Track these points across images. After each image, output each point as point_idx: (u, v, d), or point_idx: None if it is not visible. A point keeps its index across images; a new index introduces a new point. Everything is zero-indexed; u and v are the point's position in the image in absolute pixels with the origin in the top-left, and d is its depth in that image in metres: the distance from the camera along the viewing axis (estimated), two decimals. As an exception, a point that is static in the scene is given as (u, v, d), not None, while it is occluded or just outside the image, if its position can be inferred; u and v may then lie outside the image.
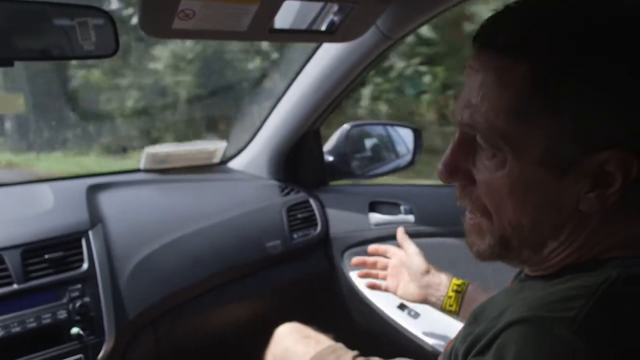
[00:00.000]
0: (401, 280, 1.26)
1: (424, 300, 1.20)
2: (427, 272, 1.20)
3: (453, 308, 1.14)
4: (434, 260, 1.59)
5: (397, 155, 1.93)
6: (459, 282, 1.17)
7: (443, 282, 1.18)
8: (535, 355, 0.48)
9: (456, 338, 0.68)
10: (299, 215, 1.79)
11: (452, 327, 1.43)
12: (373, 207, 1.74)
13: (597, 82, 0.52)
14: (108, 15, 0.90)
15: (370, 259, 1.33)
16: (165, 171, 1.78)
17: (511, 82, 0.55)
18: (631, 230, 0.58)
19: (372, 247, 1.33)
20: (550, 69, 0.54)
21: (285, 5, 0.99)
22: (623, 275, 0.53)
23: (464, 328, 0.68)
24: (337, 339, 1.34)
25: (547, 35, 0.54)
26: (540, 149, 0.55)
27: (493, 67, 0.57)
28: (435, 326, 1.55)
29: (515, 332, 0.50)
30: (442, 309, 1.17)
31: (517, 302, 0.56)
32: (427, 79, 4.45)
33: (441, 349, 1.39)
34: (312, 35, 1.18)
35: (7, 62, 0.82)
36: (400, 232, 1.29)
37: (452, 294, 1.14)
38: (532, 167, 0.56)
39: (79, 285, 1.28)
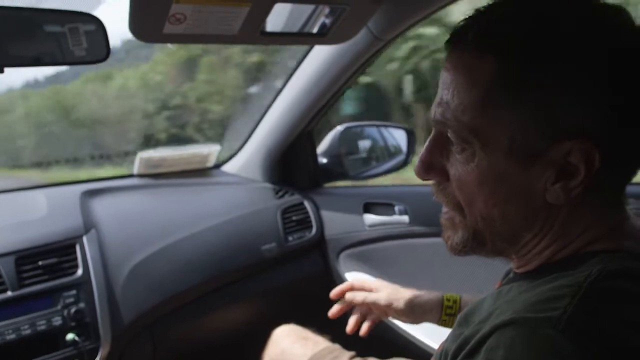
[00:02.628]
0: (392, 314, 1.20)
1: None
2: (411, 305, 1.16)
3: (449, 325, 1.12)
4: (429, 260, 1.59)
5: (391, 156, 1.93)
6: (450, 302, 1.13)
7: (434, 308, 1.14)
8: (523, 357, 0.49)
9: (447, 339, 0.69)
10: (294, 218, 1.79)
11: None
12: (367, 208, 1.75)
13: (559, 76, 0.55)
14: (99, 21, 0.90)
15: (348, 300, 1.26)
16: (158, 176, 1.78)
17: (478, 77, 0.58)
18: (608, 223, 0.60)
19: (334, 293, 1.26)
20: (514, 64, 0.56)
21: (276, 8, 1.00)
22: (604, 271, 0.53)
23: (454, 329, 0.69)
24: (334, 340, 1.34)
25: (510, 32, 0.57)
26: (507, 140, 0.58)
27: (462, 65, 0.60)
28: (431, 327, 1.54)
29: (502, 334, 0.51)
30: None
31: (504, 304, 0.57)
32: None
33: (437, 349, 1.39)
34: (303, 38, 1.18)
35: (-2, 69, 0.82)
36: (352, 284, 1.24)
37: (445, 317, 1.11)
38: (499, 159, 0.59)
39: (74, 291, 1.28)
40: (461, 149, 0.61)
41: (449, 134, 0.62)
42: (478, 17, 0.60)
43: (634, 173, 0.60)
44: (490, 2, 0.60)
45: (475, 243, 0.65)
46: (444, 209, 0.68)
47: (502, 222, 0.62)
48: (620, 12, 0.57)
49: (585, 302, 0.51)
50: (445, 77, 0.62)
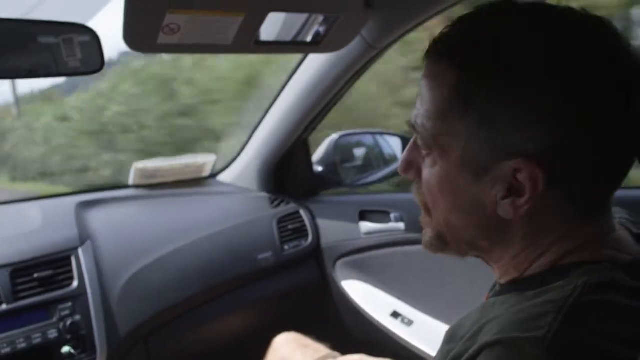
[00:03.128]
0: None
1: None
2: None
3: None
4: (425, 267, 1.60)
5: (386, 164, 1.94)
6: None
7: None
8: None
9: (435, 358, 0.69)
10: (290, 227, 1.78)
11: (446, 333, 1.43)
12: (363, 216, 1.75)
13: (505, 94, 0.55)
14: (93, 32, 0.90)
15: None
16: (154, 186, 1.77)
17: (440, 85, 0.60)
18: (586, 233, 0.59)
19: None
20: (469, 76, 0.58)
21: (270, 17, 1.00)
22: (589, 284, 0.53)
23: (442, 346, 0.68)
24: (334, 348, 1.33)
25: (471, 46, 0.58)
26: (459, 151, 0.59)
27: (429, 74, 0.62)
28: (428, 333, 1.55)
29: (490, 355, 0.51)
30: None
31: (491, 322, 0.56)
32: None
33: (435, 356, 1.39)
34: (297, 47, 1.19)
35: (-8, 81, 0.82)
36: None
37: None
38: (454, 168, 0.61)
39: (70, 304, 1.27)
40: (427, 154, 0.64)
41: (417, 140, 0.65)
42: (447, 29, 0.62)
43: (605, 185, 0.60)
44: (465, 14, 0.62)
45: (440, 243, 0.68)
46: None
47: (460, 228, 0.64)
48: (596, 26, 0.57)
49: (569, 318, 0.50)
50: (420, 85, 0.64)
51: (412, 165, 0.68)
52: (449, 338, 0.67)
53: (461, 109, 0.58)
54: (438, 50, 0.61)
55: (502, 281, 0.66)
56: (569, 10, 0.58)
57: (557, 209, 0.58)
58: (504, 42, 0.57)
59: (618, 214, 0.68)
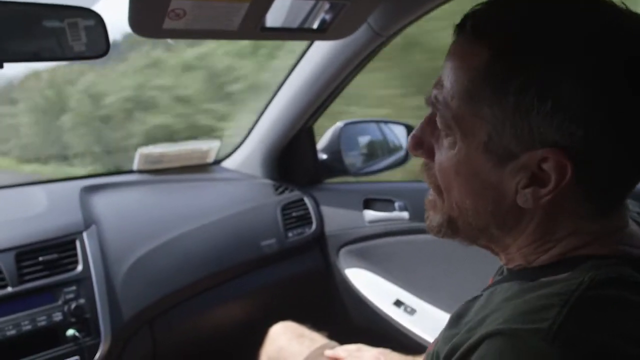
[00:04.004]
0: None
1: None
2: None
3: None
4: (428, 257, 1.60)
5: (391, 152, 1.93)
6: None
7: None
8: None
9: (437, 340, 0.69)
10: (294, 214, 1.79)
11: (448, 322, 1.44)
12: (367, 204, 1.75)
13: (543, 84, 0.54)
14: (99, 16, 0.89)
15: None
16: (158, 171, 1.78)
17: (469, 67, 0.58)
18: (598, 229, 0.59)
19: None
20: (504, 62, 0.56)
21: (276, 4, 0.99)
22: (596, 279, 0.53)
23: (445, 329, 0.68)
24: (333, 336, 1.34)
25: (506, 26, 0.57)
26: (484, 136, 0.58)
27: (459, 52, 0.60)
28: (431, 322, 1.55)
29: (491, 345, 0.50)
30: None
31: (494, 312, 0.56)
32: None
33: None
34: (303, 34, 1.18)
35: (-4, 64, 0.82)
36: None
37: None
38: (476, 152, 0.59)
39: (74, 287, 1.28)
40: (445, 134, 0.62)
41: (436, 118, 0.63)
42: (482, 7, 0.60)
43: (623, 185, 0.59)
44: None
45: (449, 229, 0.66)
46: (430, 190, 0.69)
47: (473, 214, 0.62)
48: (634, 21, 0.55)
49: (575, 312, 0.50)
50: (445, 62, 0.62)
51: (423, 144, 0.66)
52: (452, 323, 0.67)
53: (490, 94, 0.56)
54: (472, 28, 0.59)
55: (509, 266, 0.66)
56: (610, 2, 0.56)
57: (574, 205, 0.57)
58: (546, 29, 0.55)
59: (632, 208, 0.67)
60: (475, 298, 0.68)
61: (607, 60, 0.53)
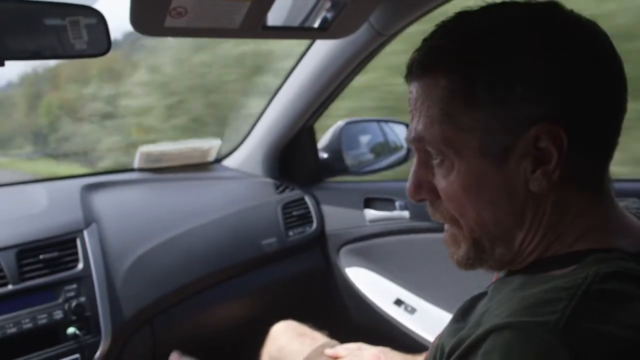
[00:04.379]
0: None
1: None
2: None
3: None
4: (429, 256, 1.59)
5: (392, 152, 1.93)
6: None
7: None
8: None
9: (442, 334, 0.69)
10: (294, 213, 1.79)
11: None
12: (368, 203, 1.75)
13: (504, 75, 0.58)
14: (100, 14, 0.89)
15: None
16: (159, 170, 1.78)
17: (435, 94, 0.62)
18: (595, 217, 0.61)
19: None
20: (460, 75, 0.60)
21: (277, 2, 0.99)
22: (600, 273, 0.53)
23: (450, 323, 0.69)
24: (333, 335, 1.34)
25: (448, 49, 0.62)
26: (476, 142, 0.60)
27: (420, 89, 0.65)
28: (431, 321, 1.55)
29: (499, 338, 0.51)
30: None
31: (500, 306, 0.57)
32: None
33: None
34: (305, 32, 1.18)
35: (-2, 62, 0.82)
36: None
37: None
38: (475, 162, 0.61)
39: (75, 285, 1.28)
40: (440, 162, 0.64)
41: (428, 148, 0.65)
42: (423, 45, 0.65)
43: (607, 157, 0.62)
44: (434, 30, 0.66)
45: (477, 253, 0.66)
46: (445, 227, 0.70)
47: (494, 224, 0.63)
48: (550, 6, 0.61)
49: (582, 305, 0.51)
50: (411, 102, 0.66)
51: (422, 187, 0.68)
52: (458, 317, 0.68)
53: (463, 106, 0.60)
54: (419, 67, 0.64)
55: (514, 268, 0.67)
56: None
57: (577, 186, 0.60)
58: (481, 33, 0.60)
59: (635, 205, 0.70)
60: (481, 294, 0.69)
61: (551, 33, 0.59)
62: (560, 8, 0.61)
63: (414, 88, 0.66)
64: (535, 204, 0.61)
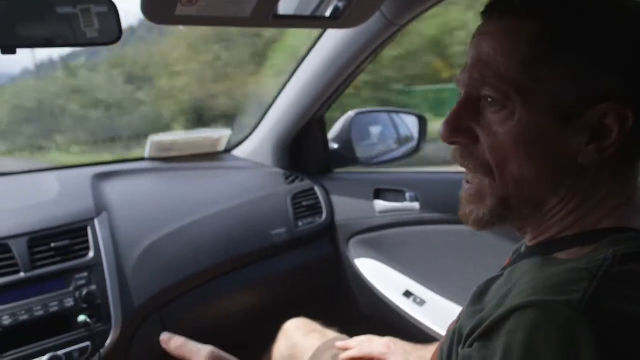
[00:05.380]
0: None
1: None
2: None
3: None
4: (439, 247, 1.59)
5: (402, 143, 1.92)
6: None
7: None
8: (545, 339, 0.49)
9: (459, 317, 0.69)
10: (304, 203, 1.79)
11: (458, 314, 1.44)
12: (378, 194, 1.74)
13: (596, 41, 0.58)
14: (111, 3, 0.89)
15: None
16: (169, 159, 1.78)
17: (521, 38, 0.60)
18: (623, 195, 0.62)
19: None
20: (556, 26, 0.59)
21: (289, -9, 0.98)
22: (618, 255, 0.54)
23: (468, 306, 0.69)
24: (342, 326, 1.34)
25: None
26: (548, 97, 0.60)
27: (503, 28, 0.62)
28: (441, 313, 1.55)
29: (523, 317, 0.51)
30: None
31: (520, 285, 0.57)
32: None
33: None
34: (316, 21, 1.17)
35: (10, 50, 0.82)
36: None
37: None
38: (539, 117, 0.60)
39: (86, 274, 1.29)
40: (500, 107, 0.62)
41: (487, 92, 0.62)
42: None
43: None
44: None
45: (502, 210, 0.65)
46: (467, 183, 0.68)
47: (532, 185, 0.62)
48: None
49: (603, 285, 0.51)
50: (483, 44, 0.63)
51: (461, 129, 0.65)
52: (475, 300, 0.68)
53: (550, 57, 0.59)
54: (511, 5, 0.62)
55: (531, 243, 0.67)
56: None
57: (623, 159, 0.61)
58: None
59: None
60: (496, 277, 0.68)
61: None
62: None
63: (493, 26, 0.63)
64: (577, 175, 0.61)
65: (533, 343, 0.49)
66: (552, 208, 0.63)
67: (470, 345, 0.56)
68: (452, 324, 0.72)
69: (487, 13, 0.64)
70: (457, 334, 0.64)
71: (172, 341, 0.78)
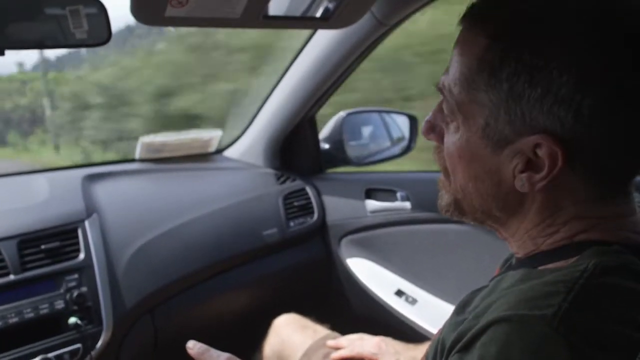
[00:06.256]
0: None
1: None
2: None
3: None
4: (430, 247, 1.60)
5: (394, 142, 1.93)
6: None
7: None
8: (517, 354, 0.49)
9: (443, 327, 0.69)
10: (296, 203, 1.79)
11: (450, 313, 1.44)
12: (369, 194, 1.74)
13: (533, 70, 0.55)
14: (100, 4, 0.88)
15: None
16: (160, 160, 1.78)
17: (469, 54, 0.60)
18: (601, 213, 0.60)
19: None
20: (498, 48, 0.57)
21: (279, -8, 0.98)
22: (599, 266, 0.53)
23: (451, 317, 0.69)
24: (334, 326, 1.34)
25: (502, 16, 0.58)
26: (482, 121, 0.60)
27: (461, 40, 0.63)
28: (432, 312, 1.56)
29: (497, 331, 0.51)
30: None
31: (500, 299, 0.56)
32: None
33: (438, 335, 1.40)
34: (306, 22, 1.17)
35: (-2, 51, 0.82)
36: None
37: None
38: (475, 137, 0.61)
39: (76, 275, 1.28)
40: (450, 119, 0.64)
41: (443, 104, 0.65)
42: None
43: (623, 170, 0.59)
44: None
45: (457, 210, 0.69)
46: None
47: (475, 197, 0.65)
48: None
49: (579, 299, 0.50)
50: (454, 50, 0.64)
51: (434, 128, 0.68)
52: (458, 310, 0.68)
53: (488, 82, 0.58)
54: (473, 16, 0.61)
55: (519, 255, 0.67)
56: None
57: (573, 189, 0.58)
58: (536, 15, 0.56)
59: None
60: (482, 287, 0.69)
61: (601, 40, 0.53)
62: (626, 11, 0.54)
63: (459, 36, 0.63)
64: (520, 197, 0.61)
65: (506, 357, 0.49)
66: (507, 222, 0.65)
67: (450, 358, 0.57)
68: (437, 333, 0.72)
69: (460, 19, 0.64)
70: (440, 345, 0.64)
71: (196, 347, 0.80)
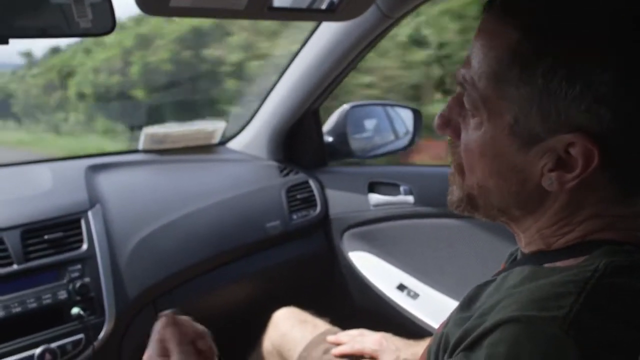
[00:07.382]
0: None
1: None
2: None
3: None
4: (433, 241, 1.59)
5: (397, 136, 1.92)
6: None
7: None
8: (526, 356, 0.48)
9: (447, 322, 0.69)
10: (299, 196, 1.78)
11: (452, 308, 1.44)
12: (372, 187, 1.74)
13: (573, 68, 0.52)
14: (104, -7, 0.88)
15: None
16: (163, 151, 1.77)
17: (497, 46, 0.57)
18: (619, 212, 0.58)
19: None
20: (533, 42, 0.54)
21: (284, -17, 0.98)
22: (610, 266, 0.52)
23: (456, 312, 0.68)
24: (335, 319, 1.34)
25: (538, 9, 0.55)
26: (511, 118, 0.57)
27: (487, 30, 0.59)
28: (434, 307, 1.56)
29: (506, 331, 0.50)
30: None
31: (508, 297, 0.56)
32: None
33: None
34: (311, 14, 1.16)
35: (2, 40, 0.81)
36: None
37: None
38: (502, 134, 0.58)
39: (79, 266, 1.29)
40: (472, 115, 0.61)
41: (464, 97, 0.62)
42: None
43: None
44: None
45: (469, 205, 0.66)
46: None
47: (495, 195, 0.62)
48: None
49: (590, 300, 0.50)
50: (474, 40, 0.61)
51: (450, 122, 0.65)
52: (464, 306, 0.67)
53: (520, 77, 0.55)
54: (502, 5, 0.58)
55: (526, 250, 0.66)
56: None
57: (599, 188, 0.57)
58: (578, 11, 0.53)
59: None
60: (488, 282, 0.68)
61: (634, 42, 0.52)
62: None
63: (482, 25, 0.60)
64: (542, 196, 0.59)
65: (515, 358, 0.48)
66: (522, 219, 0.63)
67: (455, 356, 0.56)
68: (441, 327, 0.72)
69: (484, 8, 0.60)
70: (444, 340, 0.64)
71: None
